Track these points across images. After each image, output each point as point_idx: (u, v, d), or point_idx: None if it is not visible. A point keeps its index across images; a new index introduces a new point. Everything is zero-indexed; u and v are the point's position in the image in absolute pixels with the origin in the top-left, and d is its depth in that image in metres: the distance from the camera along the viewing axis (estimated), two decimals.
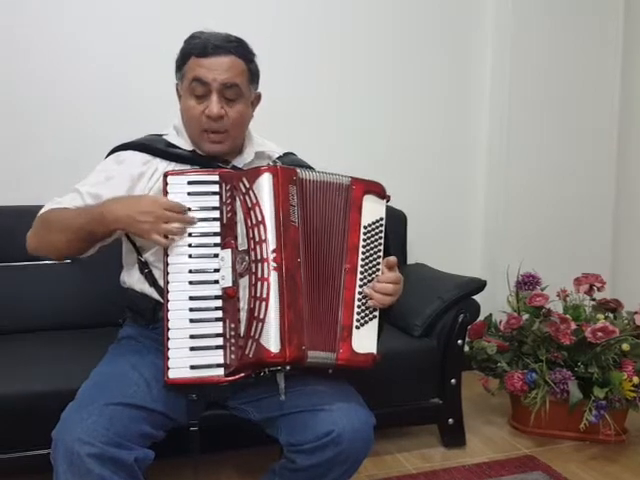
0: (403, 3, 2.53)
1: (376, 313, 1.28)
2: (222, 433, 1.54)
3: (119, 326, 1.51)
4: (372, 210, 1.30)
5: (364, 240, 1.28)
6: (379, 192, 1.33)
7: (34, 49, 2.12)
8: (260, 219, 1.19)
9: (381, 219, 1.31)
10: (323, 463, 1.20)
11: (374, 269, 1.29)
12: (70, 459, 1.08)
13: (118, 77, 2.20)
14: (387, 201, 1.34)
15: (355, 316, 1.26)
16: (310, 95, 2.43)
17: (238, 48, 1.36)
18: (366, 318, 1.27)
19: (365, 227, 1.29)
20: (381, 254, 1.30)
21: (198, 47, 1.35)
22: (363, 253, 1.28)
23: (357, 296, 1.27)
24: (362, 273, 1.28)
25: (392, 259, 1.30)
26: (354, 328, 1.25)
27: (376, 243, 1.30)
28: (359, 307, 1.27)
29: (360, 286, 1.27)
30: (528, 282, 2.21)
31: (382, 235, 1.31)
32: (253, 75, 1.41)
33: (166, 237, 1.23)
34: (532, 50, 2.57)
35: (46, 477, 1.20)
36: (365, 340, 1.26)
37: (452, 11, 2.60)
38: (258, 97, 1.47)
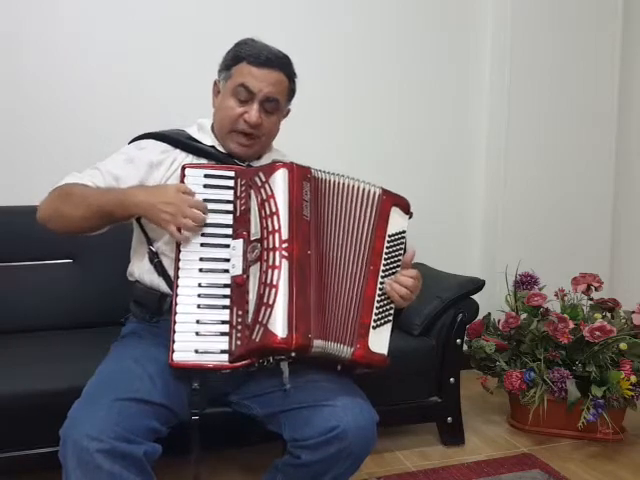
0: (404, 4, 2.54)
1: (391, 317, 1.32)
2: (224, 430, 1.54)
3: (121, 325, 1.52)
4: (397, 222, 1.35)
5: (387, 247, 1.33)
6: (405, 207, 1.38)
7: (37, 49, 2.12)
8: (274, 210, 1.23)
9: (404, 232, 1.37)
10: (327, 459, 1.21)
11: (394, 276, 1.33)
12: (79, 456, 1.08)
13: (120, 78, 2.20)
14: (410, 217, 1.38)
15: (373, 316, 1.29)
16: (311, 96, 2.42)
17: (286, 66, 1.44)
18: (383, 320, 1.30)
19: (390, 236, 1.34)
20: (400, 263, 1.35)
21: (252, 55, 1.40)
22: (385, 259, 1.32)
23: (377, 298, 1.30)
24: (382, 277, 1.32)
25: (410, 252, 1.35)
26: (371, 327, 1.28)
27: (397, 252, 1.35)
28: (377, 308, 1.30)
29: (380, 289, 1.31)
30: (526, 282, 2.23)
31: (402, 246, 1.36)
32: (292, 93, 1.49)
33: (180, 231, 1.25)
34: (531, 50, 2.58)
35: (50, 475, 1.20)
36: (380, 340, 1.29)
37: (452, 12, 2.60)
38: (288, 112, 1.54)
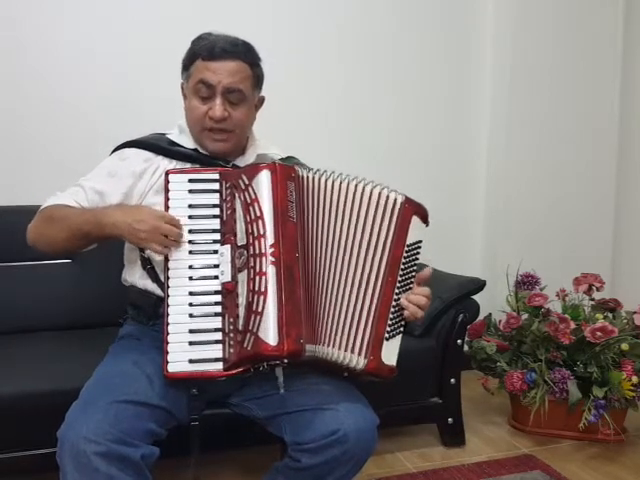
0: (404, 2, 2.53)
1: (402, 328, 1.30)
2: (223, 432, 1.54)
3: (119, 326, 1.52)
4: (415, 231, 1.32)
5: (405, 257, 1.30)
6: (424, 216, 1.35)
7: (37, 49, 2.12)
8: (259, 214, 1.21)
9: (420, 241, 1.33)
10: (328, 462, 1.21)
11: (409, 287, 1.31)
12: (77, 458, 1.08)
13: (120, 77, 2.20)
14: (427, 226, 1.35)
15: (387, 327, 1.26)
16: (309, 95, 2.43)
17: (244, 53, 1.39)
18: (395, 331, 1.28)
19: (408, 245, 1.30)
20: (415, 274, 1.32)
21: (205, 49, 1.37)
22: (402, 269, 1.29)
23: (392, 308, 1.28)
24: (398, 288, 1.29)
25: (427, 272, 1.33)
26: (384, 338, 1.26)
27: (413, 263, 1.32)
28: (392, 319, 1.28)
29: (395, 300, 1.28)
30: (527, 282, 2.22)
31: (418, 257, 1.33)
32: (258, 80, 1.44)
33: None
34: (532, 50, 2.58)
35: (50, 476, 1.20)
36: (391, 352, 1.27)
37: (453, 10, 2.60)
38: (261, 100, 1.50)
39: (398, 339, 1.29)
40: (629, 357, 1.99)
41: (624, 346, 1.98)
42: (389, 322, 1.27)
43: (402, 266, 1.29)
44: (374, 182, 1.31)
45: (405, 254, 1.30)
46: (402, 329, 1.30)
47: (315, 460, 1.21)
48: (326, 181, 1.29)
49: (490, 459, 1.93)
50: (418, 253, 1.33)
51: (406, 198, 1.31)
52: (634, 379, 1.93)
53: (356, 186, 1.29)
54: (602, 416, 1.95)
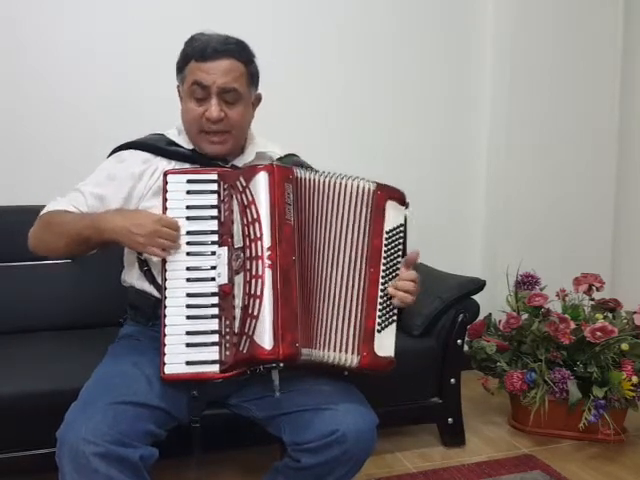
0: (404, 2, 2.53)
1: (395, 317, 1.29)
2: (223, 432, 1.54)
3: (119, 326, 1.52)
4: (394, 216, 1.31)
5: (386, 245, 1.29)
6: (400, 199, 1.33)
7: (37, 49, 2.12)
8: (256, 217, 1.21)
9: (401, 225, 1.32)
10: (327, 462, 1.21)
11: (394, 274, 1.30)
12: (76, 459, 1.08)
13: (120, 77, 2.20)
14: (406, 208, 1.34)
15: (377, 319, 1.26)
16: (309, 95, 2.43)
17: (237, 50, 1.38)
18: (387, 322, 1.28)
19: (387, 232, 1.30)
20: (400, 259, 1.31)
21: (197, 51, 1.36)
22: (385, 258, 1.29)
23: (379, 300, 1.27)
24: (384, 277, 1.28)
25: (413, 254, 1.31)
26: (376, 331, 1.25)
27: (397, 248, 1.31)
28: (381, 310, 1.27)
29: (382, 290, 1.28)
30: (527, 282, 2.22)
31: (402, 241, 1.32)
32: (252, 77, 1.42)
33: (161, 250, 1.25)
34: (532, 50, 2.58)
35: (49, 476, 1.20)
36: (386, 343, 1.26)
37: (453, 10, 2.60)
38: (258, 98, 1.49)
39: (392, 329, 1.28)
40: (629, 357, 1.99)
41: (624, 346, 1.98)
42: (379, 314, 1.26)
43: (384, 254, 1.28)
44: (352, 176, 1.30)
45: (385, 241, 1.29)
46: (395, 318, 1.29)
47: (315, 460, 1.21)
48: (319, 180, 1.29)
49: (490, 459, 1.93)
50: (401, 237, 1.32)
51: (378, 185, 1.30)
52: (634, 379, 1.93)
53: (335, 182, 1.28)
54: (602, 416, 1.95)
